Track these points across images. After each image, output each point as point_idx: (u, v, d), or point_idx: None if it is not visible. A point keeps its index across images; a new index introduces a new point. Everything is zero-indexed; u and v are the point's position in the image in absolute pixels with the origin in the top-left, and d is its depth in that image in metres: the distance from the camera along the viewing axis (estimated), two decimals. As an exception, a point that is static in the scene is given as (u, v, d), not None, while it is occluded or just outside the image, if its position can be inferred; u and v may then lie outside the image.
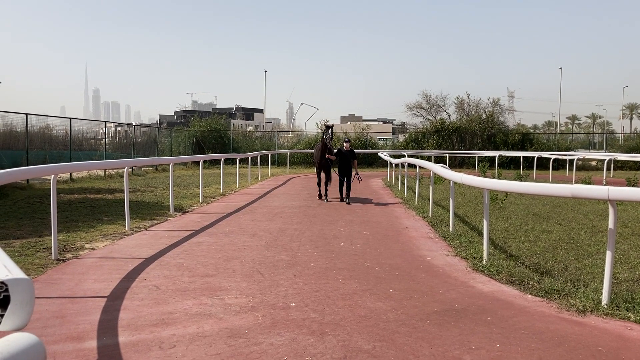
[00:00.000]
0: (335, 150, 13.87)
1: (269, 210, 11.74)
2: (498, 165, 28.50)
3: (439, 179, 15.81)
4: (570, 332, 4.15)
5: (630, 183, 16.90)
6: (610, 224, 4.66)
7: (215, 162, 28.23)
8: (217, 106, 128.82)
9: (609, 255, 4.66)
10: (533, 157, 27.30)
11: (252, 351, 3.70)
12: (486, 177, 10.26)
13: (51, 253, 6.66)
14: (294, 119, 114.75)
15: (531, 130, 45.23)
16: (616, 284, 5.37)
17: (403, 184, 16.16)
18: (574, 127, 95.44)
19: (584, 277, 5.71)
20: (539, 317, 4.52)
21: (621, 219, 10.02)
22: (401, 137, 45.69)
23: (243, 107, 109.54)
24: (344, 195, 13.44)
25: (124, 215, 8.99)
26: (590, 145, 46.39)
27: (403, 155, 21.36)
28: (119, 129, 41.09)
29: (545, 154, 27.58)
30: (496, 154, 29.64)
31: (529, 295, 5.19)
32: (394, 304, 4.84)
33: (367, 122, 54.00)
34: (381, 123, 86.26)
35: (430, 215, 10.52)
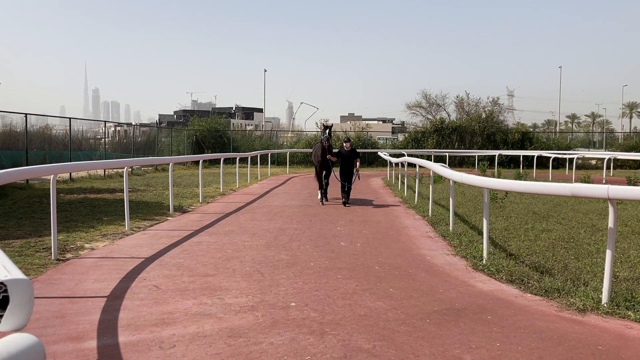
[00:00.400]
0: (335, 151, 13.16)
1: (269, 209, 11.74)
2: (498, 165, 28.49)
3: (438, 178, 15.81)
4: (570, 331, 4.15)
5: (630, 182, 16.91)
6: (610, 223, 4.66)
7: (215, 162, 28.22)
8: (217, 106, 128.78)
9: (608, 254, 4.66)
10: (533, 156, 27.30)
11: (252, 351, 3.70)
12: (486, 176, 10.27)
13: (51, 253, 6.66)
14: (293, 119, 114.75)
15: (531, 129, 45.24)
16: (616, 282, 5.37)
17: (403, 183, 16.16)
18: (574, 126, 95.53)
19: (584, 276, 5.71)
20: (539, 316, 4.52)
21: (621, 217, 10.02)
22: (401, 137, 45.69)
23: (243, 107, 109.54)
24: (345, 198, 12.68)
25: (124, 215, 8.99)
26: (589, 144, 46.46)
27: (403, 155, 21.37)
28: (118, 128, 41.06)
29: (544, 153, 27.58)
30: (496, 153, 29.63)
31: (529, 294, 5.19)
32: (394, 303, 4.84)
33: (367, 122, 54.01)
34: (381, 122, 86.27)
35: (430, 214, 10.52)
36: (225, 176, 18.14)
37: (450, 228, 8.63)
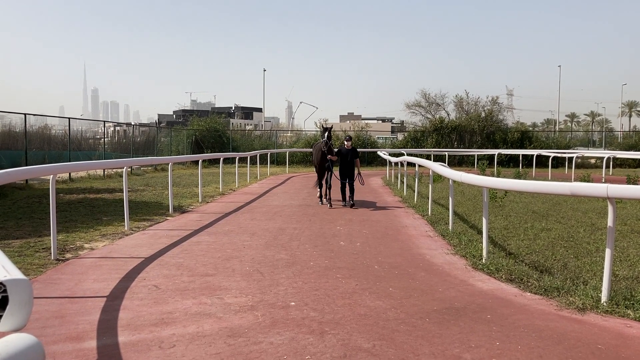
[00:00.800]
0: (335, 150, 12.76)
1: (269, 209, 11.74)
2: (497, 164, 28.50)
3: (438, 178, 15.81)
4: (570, 330, 4.15)
5: (630, 181, 16.92)
6: (610, 222, 4.66)
7: (214, 162, 28.23)
8: (216, 105, 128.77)
9: (608, 253, 4.66)
10: (532, 155, 27.31)
11: (252, 350, 3.70)
12: (485, 175, 10.28)
13: (50, 253, 6.66)
14: (293, 118, 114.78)
15: (530, 129, 45.22)
16: (615, 281, 5.37)
17: (402, 182, 16.16)
18: (573, 125, 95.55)
19: (583, 275, 5.72)
20: (539, 315, 4.53)
21: (620, 216, 10.03)
22: (400, 136, 45.73)
23: (242, 107, 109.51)
24: (347, 198, 12.30)
25: (123, 215, 8.98)
26: (589, 143, 46.46)
27: (402, 154, 21.38)
28: (117, 128, 41.04)
29: (544, 152, 27.59)
30: (495, 152, 29.64)
31: (529, 293, 5.19)
32: (394, 303, 4.84)
33: (366, 121, 54.00)
34: (380, 122, 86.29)
35: (429, 213, 10.53)
36: (225, 176, 18.14)
37: (450, 227, 8.63)
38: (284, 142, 40.83)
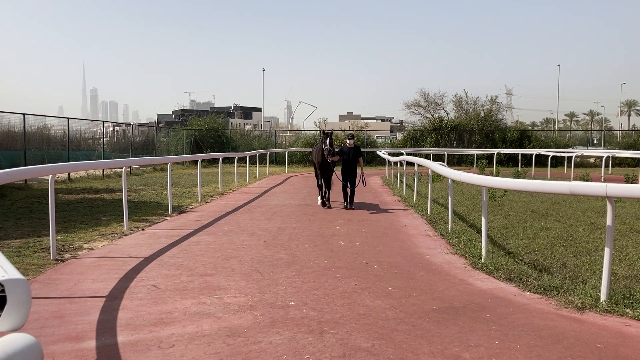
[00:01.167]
0: (337, 150, 12.19)
1: (268, 209, 11.74)
2: (496, 163, 28.52)
3: (437, 177, 15.82)
4: (569, 329, 4.15)
5: (628, 180, 16.94)
6: (609, 221, 4.66)
7: (213, 162, 28.23)
8: (215, 105, 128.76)
9: (607, 252, 4.67)
10: (531, 155, 27.33)
11: (251, 350, 3.70)
12: (484, 174, 10.28)
13: (49, 253, 6.65)
14: (292, 118, 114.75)
15: (529, 128, 45.25)
16: (614, 280, 5.38)
17: (402, 182, 16.16)
18: (572, 124, 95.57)
19: (582, 274, 5.72)
20: (538, 314, 4.53)
21: (620, 215, 10.03)
22: (399, 135, 45.73)
23: (241, 106, 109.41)
24: (347, 200, 11.82)
25: (123, 215, 8.98)
26: (588, 142, 46.48)
27: (401, 153, 21.38)
28: (117, 128, 41.04)
29: (543, 151, 27.61)
30: (494, 151, 29.66)
31: (528, 293, 5.19)
32: (393, 302, 4.84)
33: (366, 121, 54.02)
34: (379, 121, 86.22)
35: (429, 213, 10.53)
36: (224, 176, 18.14)
37: (449, 226, 8.63)
38: (283, 142, 40.84)
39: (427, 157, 23.66)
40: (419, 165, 12.56)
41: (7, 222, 9.36)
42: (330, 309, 4.62)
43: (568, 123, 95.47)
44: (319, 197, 12.41)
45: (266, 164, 26.84)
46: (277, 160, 33.35)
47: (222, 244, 7.59)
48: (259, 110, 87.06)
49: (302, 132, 44.81)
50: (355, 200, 12.31)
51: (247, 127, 63.24)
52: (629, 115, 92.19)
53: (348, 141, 12.14)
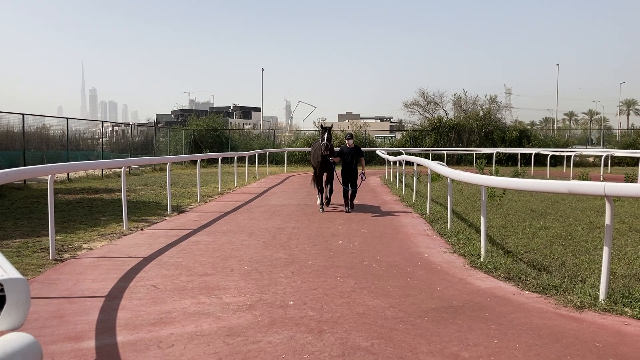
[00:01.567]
0: (336, 150, 11.64)
1: (267, 208, 11.74)
2: (495, 162, 28.53)
3: (436, 177, 15.84)
4: (568, 328, 4.16)
5: (628, 179, 16.95)
6: (607, 220, 4.67)
7: (213, 161, 28.23)
8: (215, 105, 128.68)
9: (605, 251, 4.67)
10: (530, 154, 27.36)
11: (250, 350, 3.70)
12: (484, 174, 10.28)
13: (49, 253, 6.66)
14: (291, 117, 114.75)
15: (528, 127, 45.25)
16: (613, 279, 5.39)
17: (401, 181, 16.17)
18: (571, 123, 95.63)
19: (581, 273, 5.73)
20: (537, 313, 4.54)
21: (619, 214, 10.05)
22: (399, 135, 45.75)
23: (240, 106, 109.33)
24: (349, 204, 11.21)
25: (122, 215, 8.98)
26: (587, 142, 46.49)
27: (401, 153, 21.39)
28: (116, 128, 41.01)
29: (542, 151, 27.64)
30: (494, 150, 29.68)
31: (527, 292, 5.20)
32: (392, 302, 4.85)
33: (365, 120, 54.05)
34: (379, 121, 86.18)
35: (428, 212, 10.53)
36: (223, 175, 18.14)
37: (448, 226, 8.64)
38: (283, 142, 40.85)
39: (426, 156, 23.67)
40: (418, 164, 12.57)
41: (6, 222, 9.36)
42: (330, 309, 4.62)
43: (567, 122, 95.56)
44: (318, 198, 11.86)
45: (265, 163, 26.86)
46: (276, 160, 33.35)
47: (222, 244, 7.59)
48: (258, 110, 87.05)
49: (302, 131, 44.82)
50: (355, 200, 11.92)
51: (247, 127, 63.23)
52: (628, 114, 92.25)
53: (347, 141, 11.53)
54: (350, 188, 11.17)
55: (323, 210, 11.20)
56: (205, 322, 4.26)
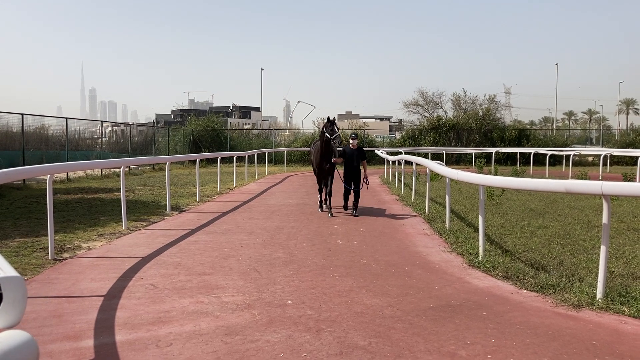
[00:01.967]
0: (339, 150, 10.82)
1: (266, 208, 11.75)
2: (495, 162, 28.55)
3: (435, 176, 15.85)
4: (565, 327, 4.18)
5: (626, 178, 16.96)
6: (604, 219, 4.68)
7: (212, 161, 28.23)
8: (214, 105, 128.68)
9: (603, 250, 4.69)
10: (530, 153, 27.38)
11: (249, 348, 3.71)
12: (483, 173, 10.29)
13: (48, 253, 6.66)
14: (291, 117, 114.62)
15: (528, 127, 45.30)
16: (611, 278, 5.40)
17: (400, 181, 16.19)
18: (571, 122, 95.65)
19: (579, 271, 5.74)
20: (534, 312, 4.55)
21: (617, 214, 10.07)
22: (398, 134, 45.78)
23: (240, 106, 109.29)
24: (352, 206, 10.72)
25: (121, 215, 8.99)
26: (587, 141, 46.54)
27: (400, 153, 21.41)
28: (115, 128, 41.01)
29: (541, 150, 27.67)
30: (493, 150, 29.70)
31: (525, 291, 5.21)
32: (390, 301, 4.86)
33: (364, 120, 54.08)
34: (378, 120, 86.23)
35: (426, 211, 10.55)
36: (223, 175, 18.15)
37: (447, 225, 8.65)
38: (282, 142, 40.85)
39: (425, 156, 23.70)
40: (417, 164, 12.58)
41: (5, 222, 9.36)
42: (328, 308, 4.63)
43: (567, 122, 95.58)
44: (319, 201, 11.45)
45: (265, 163, 26.87)
46: (275, 160, 33.37)
47: (221, 243, 7.60)
48: (257, 109, 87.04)
49: (301, 131, 44.84)
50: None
51: (246, 127, 63.24)
52: (627, 113, 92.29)
53: (351, 141, 10.94)
54: (353, 188, 10.69)
55: (322, 210, 11.00)
56: (204, 321, 4.27)
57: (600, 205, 10.73)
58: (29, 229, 8.64)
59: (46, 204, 6.71)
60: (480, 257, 6.42)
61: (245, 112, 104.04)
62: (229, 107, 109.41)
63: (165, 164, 15.31)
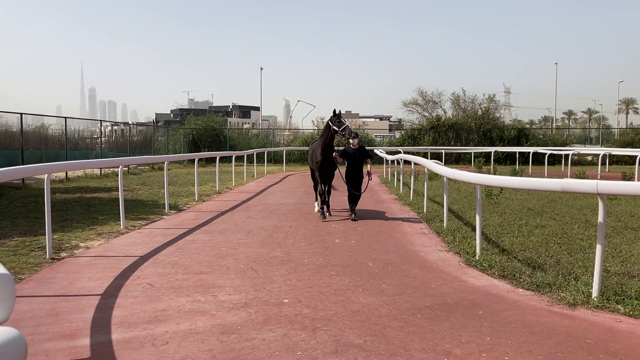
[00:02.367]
0: (340, 149, 10.55)
1: (265, 207, 11.76)
2: (494, 161, 28.54)
3: (434, 176, 15.84)
4: (560, 325, 4.19)
5: (625, 177, 16.96)
6: (600, 218, 4.69)
7: (211, 160, 28.23)
8: (214, 104, 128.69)
9: (598, 248, 4.70)
10: (529, 153, 27.38)
11: (244, 347, 3.72)
12: (482, 172, 10.29)
13: (46, 252, 6.67)
14: (290, 117, 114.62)
15: (527, 126, 45.27)
16: (607, 277, 5.42)
17: (399, 180, 16.20)
18: (571, 122, 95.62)
19: (575, 270, 5.76)
20: (530, 311, 4.56)
21: (615, 213, 10.08)
22: (398, 134, 45.78)
23: (240, 105, 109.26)
24: (353, 212, 10.04)
25: (119, 214, 9.00)
26: (586, 140, 46.53)
27: (399, 152, 21.41)
28: (115, 127, 41.02)
29: (540, 149, 27.67)
30: (492, 149, 29.69)
31: (521, 290, 5.23)
32: (387, 299, 4.87)
33: (364, 119, 54.04)
34: (378, 120, 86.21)
35: (425, 211, 10.56)
36: (222, 174, 18.16)
37: (445, 224, 8.67)
38: (282, 141, 40.85)
39: (424, 155, 23.71)
40: (415, 163, 12.59)
41: (3, 221, 9.37)
42: (324, 306, 4.65)
43: (566, 121, 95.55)
44: (316, 204, 10.82)
45: (264, 162, 26.87)
46: (275, 159, 33.37)
47: (218, 243, 7.61)
48: (257, 109, 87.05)
49: (301, 130, 44.83)
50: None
51: (246, 126, 63.21)
52: (627, 113, 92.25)
53: (351, 141, 10.30)
54: (356, 192, 10.12)
55: (324, 218, 9.96)
56: (200, 320, 4.28)
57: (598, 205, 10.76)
58: (27, 228, 8.64)
59: (44, 203, 6.72)
60: (477, 256, 6.43)
61: (245, 111, 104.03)
62: (229, 106, 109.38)
63: (164, 163, 15.31)
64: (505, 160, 32.18)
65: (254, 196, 14.22)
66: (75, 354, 3.63)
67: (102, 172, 21.37)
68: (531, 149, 27.83)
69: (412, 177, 13.56)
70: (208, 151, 30.19)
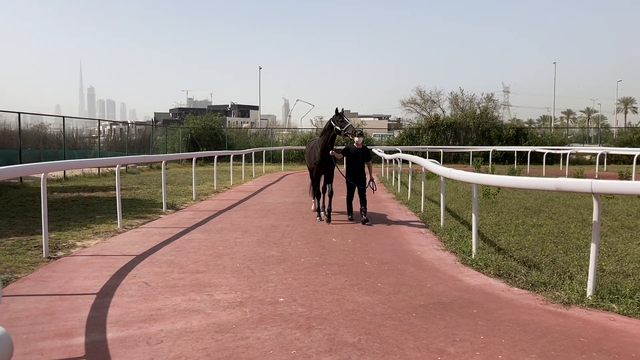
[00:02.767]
0: (340, 148, 10.18)
1: (262, 206, 11.76)
2: (492, 160, 28.56)
3: (432, 175, 15.85)
4: (554, 324, 4.20)
5: (622, 177, 16.98)
6: (595, 217, 4.70)
7: (210, 160, 28.23)
8: (213, 104, 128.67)
9: (593, 247, 4.71)
10: (527, 152, 27.40)
11: (239, 345, 3.73)
12: (480, 172, 10.30)
13: (42, 251, 6.67)
14: (289, 116, 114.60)
15: (526, 125, 45.35)
16: (602, 276, 5.43)
17: (396, 179, 16.20)
18: (569, 121, 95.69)
19: (571, 269, 5.77)
20: (525, 310, 4.57)
21: (611, 212, 10.10)
22: (396, 133, 45.77)
23: (238, 104, 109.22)
24: (360, 211, 9.57)
25: (117, 213, 9.00)
26: (585, 140, 46.57)
27: (397, 151, 21.43)
28: (114, 127, 40.99)
29: (538, 149, 27.69)
30: (490, 149, 29.71)
31: (516, 288, 5.24)
32: (382, 298, 4.88)
33: (363, 119, 54.03)
34: (377, 119, 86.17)
35: (422, 210, 10.57)
36: (220, 174, 18.16)
37: (441, 223, 8.68)
38: (280, 140, 40.84)
39: (423, 154, 23.72)
40: (413, 163, 12.59)
41: (1, 220, 9.36)
42: (319, 305, 4.65)
43: (565, 120, 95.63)
44: (313, 203, 10.53)
45: (262, 162, 26.87)
46: (273, 159, 33.36)
47: (215, 242, 7.61)
48: (256, 108, 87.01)
49: (299, 129, 44.82)
50: (354, 200, 9.94)
51: (244, 125, 63.18)
52: (626, 112, 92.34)
53: (356, 139, 9.67)
54: (357, 190, 9.75)
55: (321, 219, 9.73)
56: (195, 319, 4.29)
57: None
58: (24, 227, 8.64)
59: (42, 203, 6.72)
60: (473, 255, 6.45)
61: (244, 110, 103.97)
62: (228, 105, 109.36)
63: (162, 162, 15.29)
64: (504, 159, 32.22)
65: (251, 195, 14.23)
66: (70, 352, 3.64)
67: (100, 171, 21.35)
68: (529, 149, 27.86)
69: (409, 177, 13.58)
70: (206, 150, 30.16)
